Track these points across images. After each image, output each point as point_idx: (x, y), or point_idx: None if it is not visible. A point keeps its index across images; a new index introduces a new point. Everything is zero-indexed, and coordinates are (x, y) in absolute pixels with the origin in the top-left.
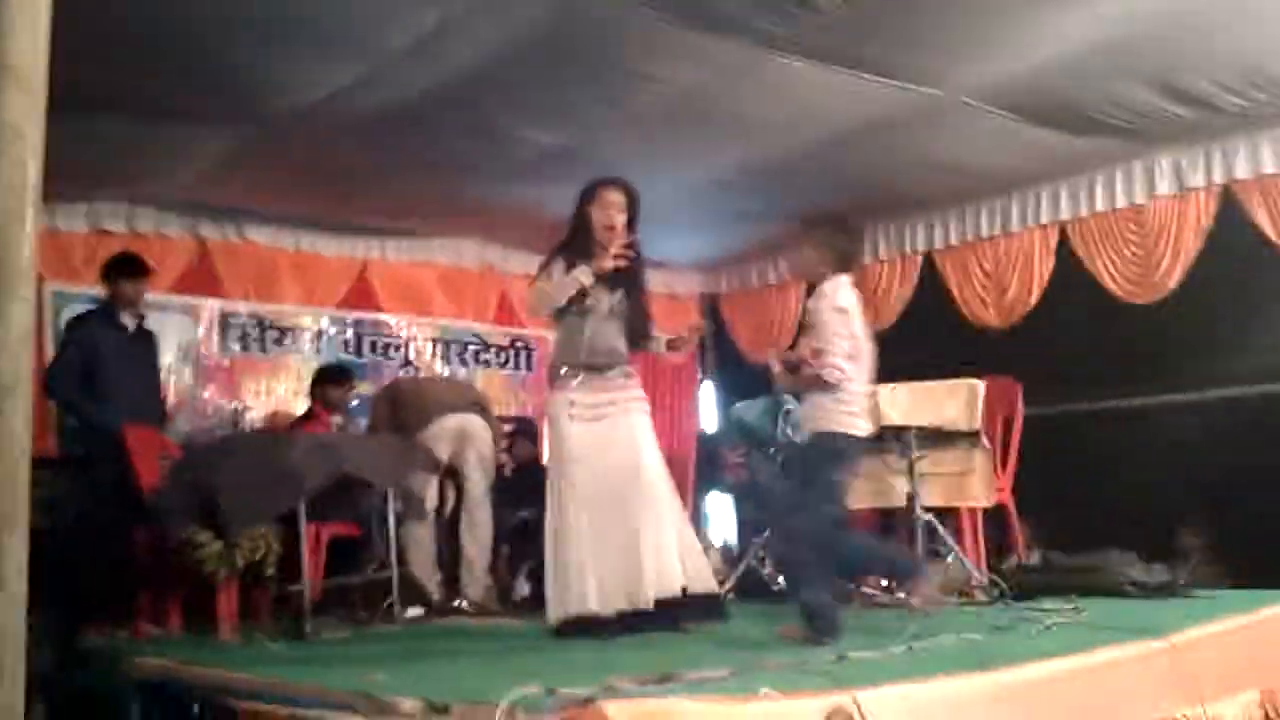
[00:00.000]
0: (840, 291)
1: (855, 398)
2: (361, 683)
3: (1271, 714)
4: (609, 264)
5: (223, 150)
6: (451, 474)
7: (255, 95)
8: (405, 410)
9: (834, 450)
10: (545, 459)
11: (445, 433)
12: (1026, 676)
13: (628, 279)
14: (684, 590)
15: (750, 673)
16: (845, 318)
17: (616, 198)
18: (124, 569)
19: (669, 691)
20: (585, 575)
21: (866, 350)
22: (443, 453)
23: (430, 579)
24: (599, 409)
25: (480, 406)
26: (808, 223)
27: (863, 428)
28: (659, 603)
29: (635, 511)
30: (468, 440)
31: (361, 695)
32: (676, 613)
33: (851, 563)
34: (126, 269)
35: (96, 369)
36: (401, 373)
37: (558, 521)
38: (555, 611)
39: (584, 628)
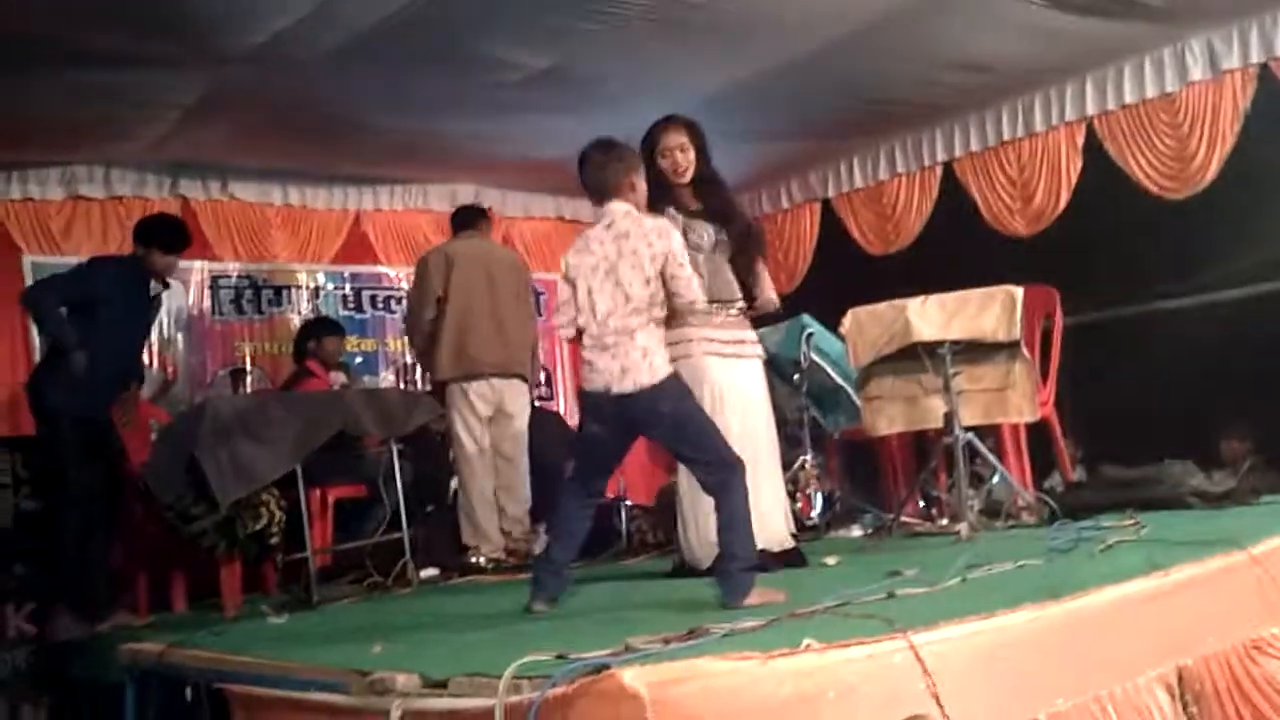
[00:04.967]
0: (581, 239)
1: (589, 351)
2: (357, 658)
3: None
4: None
5: (193, 98)
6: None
7: (211, 35)
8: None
9: (582, 407)
10: None
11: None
12: (1099, 602)
13: (723, 209)
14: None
15: (789, 621)
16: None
17: (676, 139)
18: (105, 550)
19: (696, 650)
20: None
21: (597, 304)
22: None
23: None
24: (728, 347)
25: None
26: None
27: (596, 382)
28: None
29: (760, 465)
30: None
31: (354, 673)
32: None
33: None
34: (162, 240)
35: (98, 311)
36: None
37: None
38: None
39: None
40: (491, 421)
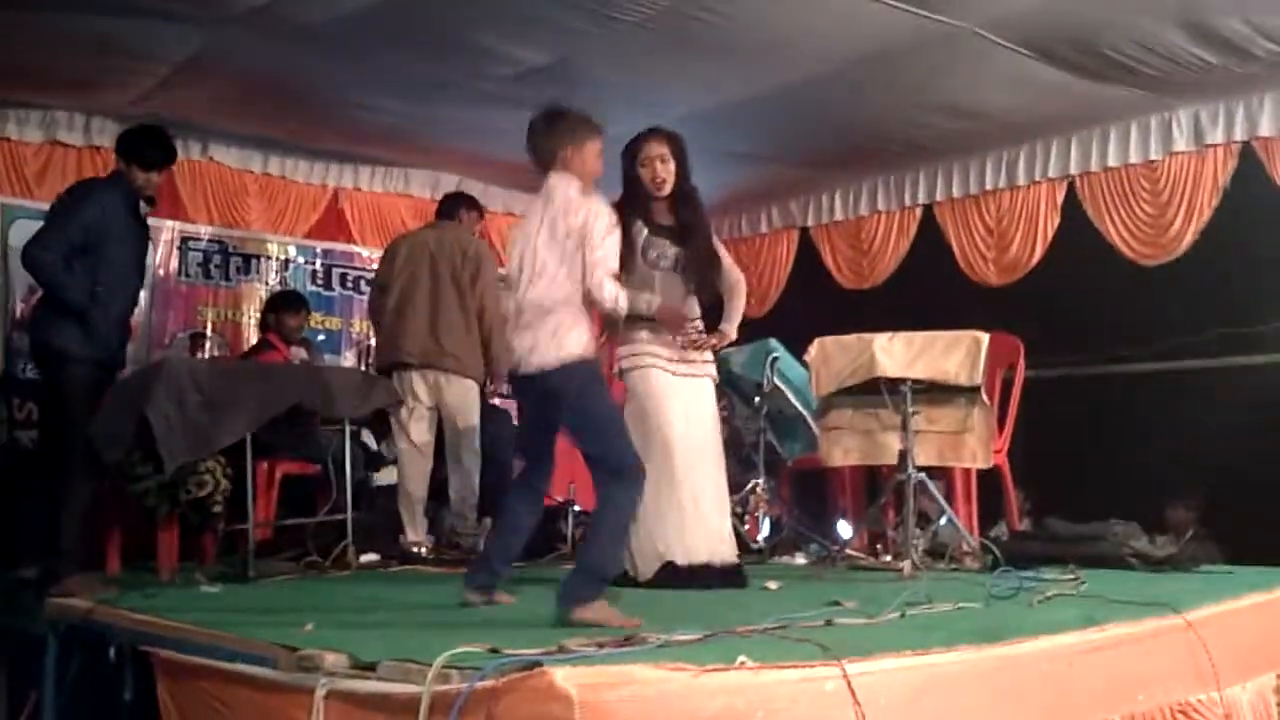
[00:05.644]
0: (526, 210)
1: (511, 331)
2: (287, 634)
3: None
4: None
5: (184, 55)
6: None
7: None
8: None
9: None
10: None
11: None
12: (1033, 650)
13: (691, 225)
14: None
15: (725, 638)
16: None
17: (658, 149)
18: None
19: (629, 656)
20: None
21: (521, 279)
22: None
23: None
24: (676, 364)
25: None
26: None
27: (512, 364)
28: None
29: (702, 478)
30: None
31: (282, 648)
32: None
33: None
34: (142, 156)
35: (100, 250)
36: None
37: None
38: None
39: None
40: (439, 414)
